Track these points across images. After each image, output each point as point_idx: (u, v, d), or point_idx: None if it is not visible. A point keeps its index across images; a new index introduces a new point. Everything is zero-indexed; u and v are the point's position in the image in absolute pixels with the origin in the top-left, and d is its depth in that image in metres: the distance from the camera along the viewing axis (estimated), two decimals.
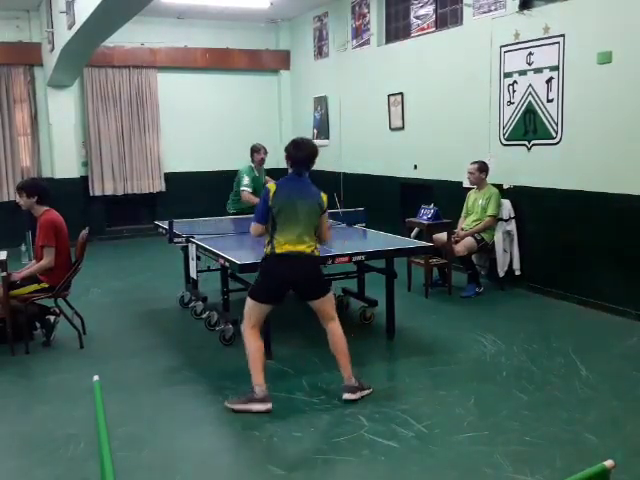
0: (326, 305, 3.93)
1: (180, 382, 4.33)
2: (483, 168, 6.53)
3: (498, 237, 6.51)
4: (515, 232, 6.52)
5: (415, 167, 8.12)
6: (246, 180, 6.92)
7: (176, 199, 10.22)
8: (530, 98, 6.35)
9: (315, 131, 10.50)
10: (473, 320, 5.60)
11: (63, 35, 7.24)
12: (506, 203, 6.56)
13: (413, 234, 6.56)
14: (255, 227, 3.87)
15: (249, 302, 3.88)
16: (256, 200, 6.96)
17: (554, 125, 6.11)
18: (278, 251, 3.76)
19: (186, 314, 5.88)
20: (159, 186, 10.55)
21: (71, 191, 9.62)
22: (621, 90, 5.44)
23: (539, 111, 6.26)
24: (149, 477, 3.18)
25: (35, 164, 9.90)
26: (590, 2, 5.69)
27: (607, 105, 5.58)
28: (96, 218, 9.86)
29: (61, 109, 9.73)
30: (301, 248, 3.79)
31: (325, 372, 4.37)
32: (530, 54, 6.29)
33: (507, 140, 6.69)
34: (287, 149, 4.02)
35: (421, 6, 8.07)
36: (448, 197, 7.26)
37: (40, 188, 5.16)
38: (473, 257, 6.60)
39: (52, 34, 8.21)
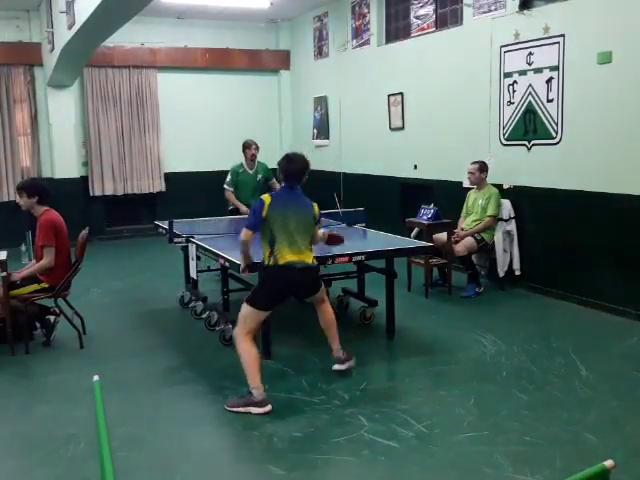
0: (320, 294, 4.25)
1: (180, 382, 4.33)
2: (483, 168, 6.53)
3: (498, 237, 6.51)
4: (515, 232, 6.52)
5: (415, 167, 8.12)
6: (228, 178, 7.22)
7: (176, 199, 10.22)
8: (530, 98, 6.35)
9: (315, 131, 10.50)
10: (473, 320, 5.60)
11: (63, 35, 7.25)
12: (506, 203, 6.56)
13: (413, 234, 6.56)
14: (245, 233, 3.94)
15: (247, 309, 3.92)
16: (235, 201, 7.14)
17: (554, 125, 6.11)
18: (281, 262, 3.90)
19: (186, 314, 5.88)
20: (159, 186, 10.55)
21: (71, 191, 9.62)
22: (621, 90, 5.44)
23: (539, 111, 6.26)
24: (149, 477, 3.18)
25: (35, 164, 9.91)
26: (590, 2, 5.69)
27: (607, 105, 5.58)
28: (96, 218, 9.86)
29: (61, 109, 9.73)
30: (302, 258, 3.96)
31: (325, 372, 4.36)
32: (530, 54, 6.29)
33: (507, 140, 6.69)
34: (280, 163, 4.13)
35: (421, 6, 8.07)
36: (448, 197, 7.26)
37: (40, 188, 5.16)
38: (473, 257, 6.60)
39: (52, 34, 8.21)
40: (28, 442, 3.55)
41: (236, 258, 4.44)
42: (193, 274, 5.48)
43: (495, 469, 3.11)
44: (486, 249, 6.56)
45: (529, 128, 6.40)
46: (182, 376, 4.44)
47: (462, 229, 6.63)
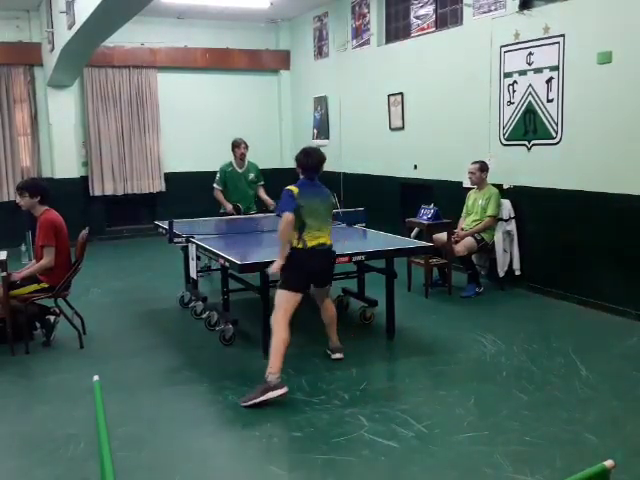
0: (328, 289, 4.56)
1: (180, 382, 4.33)
2: (484, 168, 6.53)
3: (498, 237, 6.51)
4: (515, 232, 6.52)
5: (415, 167, 8.12)
6: (217, 177, 7.33)
7: (176, 199, 10.21)
8: (530, 98, 6.35)
9: (315, 131, 10.50)
10: (473, 320, 5.60)
11: (63, 35, 7.25)
12: (506, 203, 6.56)
13: (413, 234, 6.56)
14: (287, 215, 4.03)
15: (284, 294, 4.08)
16: (221, 199, 7.18)
17: (554, 125, 6.11)
18: (310, 244, 4.13)
19: (186, 314, 5.88)
20: (159, 186, 10.56)
21: (71, 191, 9.62)
22: (621, 90, 5.44)
23: (539, 111, 6.26)
24: (149, 477, 3.18)
25: (35, 164, 9.91)
26: (590, 2, 5.69)
27: (607, 105, 5.58)
28: (96, 218, 9.86)
29: (61, 109, 9.73)
30: (326, 241, 4.24)
31: (325, 372, 4.37)
32: (530, 54, 6.29)
33: (507, 140, 6.69)
34: (298, 158, 4.33)
35: (421, 6, 8.07)
36: (448, 197, 7.26)
37: (42, 188, 5.16)
38: (473, 257, 6.60)
39: (52, 34, 8.21)
40: (28, 442, 3.55)
41: (236, 258, 4.44)
42: (193, 274, 5.48)
43: (495, 469, 3.11)
44: (486, 249, 6.56)
45: (529, 128, 6.40)
46: (182, 376, 4.44)
47: (462, 229, 6.63)
